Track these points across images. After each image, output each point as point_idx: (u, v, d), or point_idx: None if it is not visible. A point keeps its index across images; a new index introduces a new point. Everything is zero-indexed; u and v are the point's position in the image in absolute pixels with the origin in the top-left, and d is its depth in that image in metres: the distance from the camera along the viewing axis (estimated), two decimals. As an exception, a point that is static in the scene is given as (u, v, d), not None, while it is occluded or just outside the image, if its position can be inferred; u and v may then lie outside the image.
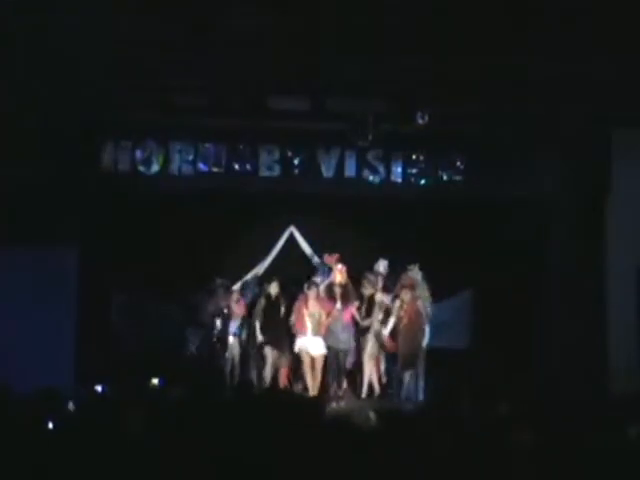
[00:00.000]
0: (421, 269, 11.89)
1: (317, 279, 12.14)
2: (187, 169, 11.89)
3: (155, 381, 10.24)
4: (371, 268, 12.18)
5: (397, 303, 11.77)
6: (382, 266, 12.21)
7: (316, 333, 11.67)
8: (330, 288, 11.93)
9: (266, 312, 12.00)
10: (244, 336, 12.18)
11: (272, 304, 11.99)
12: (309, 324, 11.67)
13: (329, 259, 12.13)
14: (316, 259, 12.50)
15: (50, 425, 5.24)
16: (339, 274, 11.92)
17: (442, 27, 8.00)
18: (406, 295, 11.72)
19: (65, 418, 5.51)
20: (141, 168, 11.79)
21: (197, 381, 10.49)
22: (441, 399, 6.25)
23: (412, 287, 11.78)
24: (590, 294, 11.59)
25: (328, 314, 11.75)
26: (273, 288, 12.00)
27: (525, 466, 4.65)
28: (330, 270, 12.13)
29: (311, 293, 11.76)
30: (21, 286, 10.89)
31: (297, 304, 11.87)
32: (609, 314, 11.58)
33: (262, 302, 12.07)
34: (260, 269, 12.57)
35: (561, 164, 11.67)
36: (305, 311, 11.73)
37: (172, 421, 5.36)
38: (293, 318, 11.87)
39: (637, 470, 4.58)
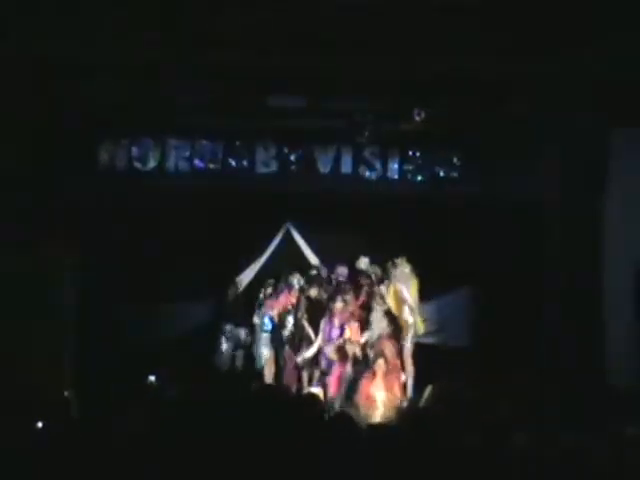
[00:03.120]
0: (409, 262, 11.63)
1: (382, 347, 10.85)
2: (184, 166, 11.90)
3: (152, 378, 10.24)
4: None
5: (373, 356, 10.69)
6: (363, 263, 12.05)
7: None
8: (341, 348, 11.10)
9: (309, 313, 11.75)
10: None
11: (314, 307, 11.75)
12: (380, 407, 9.82)
13: (341, 269, 11.71)
14: (324, 271, 12.23)
15: (39, 424, 5.25)
16: (349, 330, 11.15)
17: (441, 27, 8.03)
18: (388, 348, 10.78)
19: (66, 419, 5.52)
20: (138, 165, 11.80)
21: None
22: (438, 399, 6.26)
23: (396, 338, 11.07)
24: (589, 293, 11.61)
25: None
26: (313, 291, 11.85)
27: (525, 466, 4.68)
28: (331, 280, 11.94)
29: (379, 368, 10.12)
30: (21, 287, 10.87)
31: (362, 381, 10.24)
32: (608, 313, 11.61)
33: (304, 303, 11.85)
34: (256, 267, 12.54)
35: (560, 163, 11.68)
36: (373, 390, 10.04)
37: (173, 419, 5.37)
38: (358, 399, 10.12)
39: (635, 470, 4.61)
